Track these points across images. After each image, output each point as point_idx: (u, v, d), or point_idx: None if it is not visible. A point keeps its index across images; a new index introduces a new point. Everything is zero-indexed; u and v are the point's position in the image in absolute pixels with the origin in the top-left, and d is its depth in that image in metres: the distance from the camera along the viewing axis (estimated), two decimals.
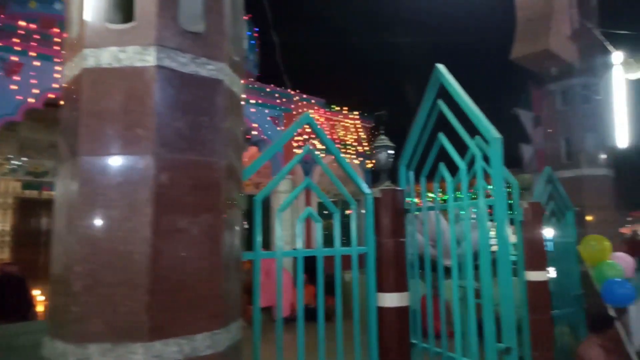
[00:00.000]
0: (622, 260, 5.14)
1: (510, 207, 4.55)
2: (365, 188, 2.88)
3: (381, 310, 2.83)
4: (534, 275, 4.42)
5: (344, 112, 13.65)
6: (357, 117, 13.98)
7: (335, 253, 2.69)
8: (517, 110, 7.26)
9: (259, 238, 2.40)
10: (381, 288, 2.85)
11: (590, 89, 5.75)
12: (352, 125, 13.78)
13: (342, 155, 2.79)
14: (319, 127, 2.66)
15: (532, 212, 4.53)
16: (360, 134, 13.84)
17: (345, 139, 13.19)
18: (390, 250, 2.87)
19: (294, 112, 11.69)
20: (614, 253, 5.15)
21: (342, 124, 13.53)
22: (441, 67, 2.81)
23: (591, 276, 5.13)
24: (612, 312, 4.84)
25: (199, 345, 1.73)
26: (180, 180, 1.73)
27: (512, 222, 4.54)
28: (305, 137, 11.83)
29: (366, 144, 13.73)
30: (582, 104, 5.75)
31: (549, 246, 4.98)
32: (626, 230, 25.10)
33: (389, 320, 2.82)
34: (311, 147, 2.70)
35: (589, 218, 5.67)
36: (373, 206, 2.91)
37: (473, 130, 2.67)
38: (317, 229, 2.65)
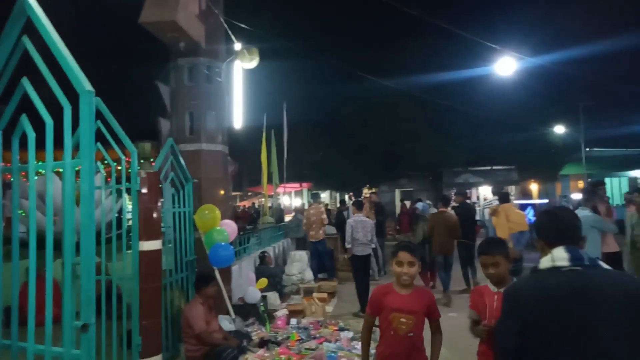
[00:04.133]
0: (228, 226, 5.84)
1: (128, 175, 4.38)
2: None
3: None
4: (148, 245, 4.41)
5: None
6: None
7: None
8: (158, 83, 7.07)
9: None
10: None
11: (214, 71, 6.22)
12: None
13: None
14: None
15: (150, 181, 4.51)
16: None
17: None
18: None
19: None
20: (222, 220, 5.79)
21: None
22: None
23: (203, 242, 5.60)
24: (216, 273, 5.43)
25: None
26: None
27: (129, 191, 4.39)
28: None
29: None
30: (206, 83, 6.15)
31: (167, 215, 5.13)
32: (246, 202, 29.71)
33: None
34: None
35: (210, 189, 6.16)
36: None
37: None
38: None
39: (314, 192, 12.91)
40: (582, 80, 17.37)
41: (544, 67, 13.24)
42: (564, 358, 1.72)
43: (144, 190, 4.43)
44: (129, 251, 4.46)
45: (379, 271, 10.45)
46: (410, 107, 17.45)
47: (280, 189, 15.24)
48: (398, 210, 20.15)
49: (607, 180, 22.91)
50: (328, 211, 14.03)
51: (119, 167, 4.71)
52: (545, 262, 1.90)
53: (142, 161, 5.01)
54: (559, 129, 21.37)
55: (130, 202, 4.50)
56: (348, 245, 7.55)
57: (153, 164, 5.07)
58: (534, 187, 22.26)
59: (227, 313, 5.75)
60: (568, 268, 1.82)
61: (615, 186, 22.38)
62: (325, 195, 22.70)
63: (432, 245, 8.47)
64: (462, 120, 18.34)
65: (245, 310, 6.16)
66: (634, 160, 22.73)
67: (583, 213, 5.74)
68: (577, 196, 10.68)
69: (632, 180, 24.02)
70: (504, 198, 7.86)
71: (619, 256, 6.12)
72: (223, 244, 5.51)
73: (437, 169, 20.24)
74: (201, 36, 5.86)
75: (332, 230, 11.44)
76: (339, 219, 11.30)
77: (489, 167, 19.90)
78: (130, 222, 4.53)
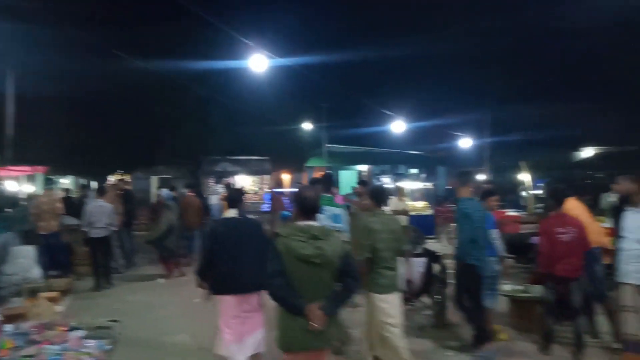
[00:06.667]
0: None
1: None
2: None
3: None
4: None
5: None
6: None
7: None
8: None
9: None
10: None
11: None
12: None
13: None
14: None
15: None
16: None
17: None
18: None
19: None
20: None
21: None
22: None
23: None
24: None
25: None
26: None
27: None
28: None
29: None
30: None
31: None
32: None
33: None
34: None
35: None
36: None
37: None
38: None
39: (49, 177, 11.21)
40: (325, 84, 20.02)
41: (294, 68, 14.69)
42: (231, 255, 4.16)
43: None
44: None
45: (126, 263, 9.84)
46: (170, 92, 16.85)
47: (3, 172, 12.61)
48: (155, 198, 19.24)
49: (341, 172, 27.11)
50: (69, 198, 12.39)
51: None
52: (226, 215, 4.48)
53: None
54: (307, 126, 24.08)
55: None
56: (85, 229, 8.23)
57: None
58: (286, 177, 24.51)
59: None
60: (236, 217, 4.38)
61: (348, 177, 26.62)
62: (68, 181, 19.92)
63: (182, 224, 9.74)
64: (221, 111, 18.72)
65: None
66: (361, 156, 27.52)
67: None
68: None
69: (359, 173, 29.04)
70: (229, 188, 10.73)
71: None
72: None
73: (196, 157, 20.19)
74: None
75: (72, 220, 10.18)
76: (79, 206, 10.14)
77: (246, 157, 20.94)
78: None
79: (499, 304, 5.92)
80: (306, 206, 3.11)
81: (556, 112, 23.33)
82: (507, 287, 6.31)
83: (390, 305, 4.38)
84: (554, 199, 5.40)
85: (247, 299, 4.25)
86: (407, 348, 4.42)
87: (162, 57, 15.03)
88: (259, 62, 9.99)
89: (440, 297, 6.20)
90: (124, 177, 17.88)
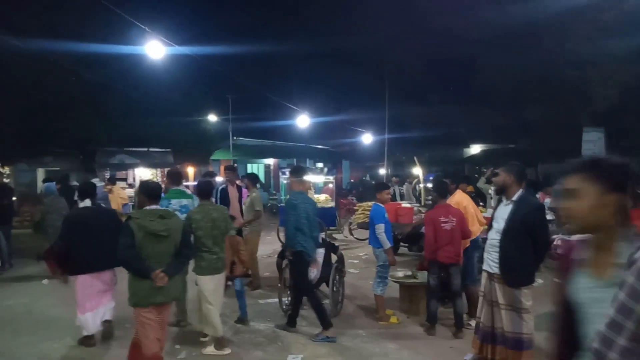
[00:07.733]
0: None
1: None
2: None
3: None
4: None
5: None
6: None
7: None
8: None
9: None
10: None
11: None
12: None
13: None
14: None
15: None
16: None
17: None
18: None
19: None
20: None
21: None
22: None
23: None
24: None
25: None
26: None
27: None
28: None
29: None
30: None
31: None
32: None
33: None
34: None
35: None
36: None
37: None
38: None
39: None
40: (231, 76, 19.60)
41: (196, 58, 14.16)
42: (85, 239, 4.94)
43: None
44: None
45: (2, 264, 8.89)
46: (55, 76, 15.27)
47: None
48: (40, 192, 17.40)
49: (248, 165, 26.82)
50: None
51: None
52: (82, 204, 5.27)
53: None
54: (212, 118, 23.41)
55: None
56: None
57: None
58: (190, 170, 23.62)
59: None
60: (89, 207, 5.24)
61: (255, 170, 26.42)
62: None
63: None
64: (118, 99, 17.42)
65: None
66: (268, 150, 27.47)
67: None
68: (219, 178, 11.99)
69: (267, 166, 28.96)
70: (111, 180, 11.87)
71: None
72: None
73: (89, 148, 18.62)
74: None
75: None
76: None
77: (145, 149, 19.78)
78: None
79: (390, 290, 6.32)
80: (151, 193, 4.04)
81: (448, 112, 25.22)
82: (399, 273, 6.74)
83: (209, 285, 4.89)
84: (438, 191, 5.87)
85: (101, 275, 5.19)
86: (220, 324, 4.96)
87: (45, 37, 13.53)
88: (155, 49, 9.49)
89: (337, 286, 6.44)
90: (1, 169, 16.00)
